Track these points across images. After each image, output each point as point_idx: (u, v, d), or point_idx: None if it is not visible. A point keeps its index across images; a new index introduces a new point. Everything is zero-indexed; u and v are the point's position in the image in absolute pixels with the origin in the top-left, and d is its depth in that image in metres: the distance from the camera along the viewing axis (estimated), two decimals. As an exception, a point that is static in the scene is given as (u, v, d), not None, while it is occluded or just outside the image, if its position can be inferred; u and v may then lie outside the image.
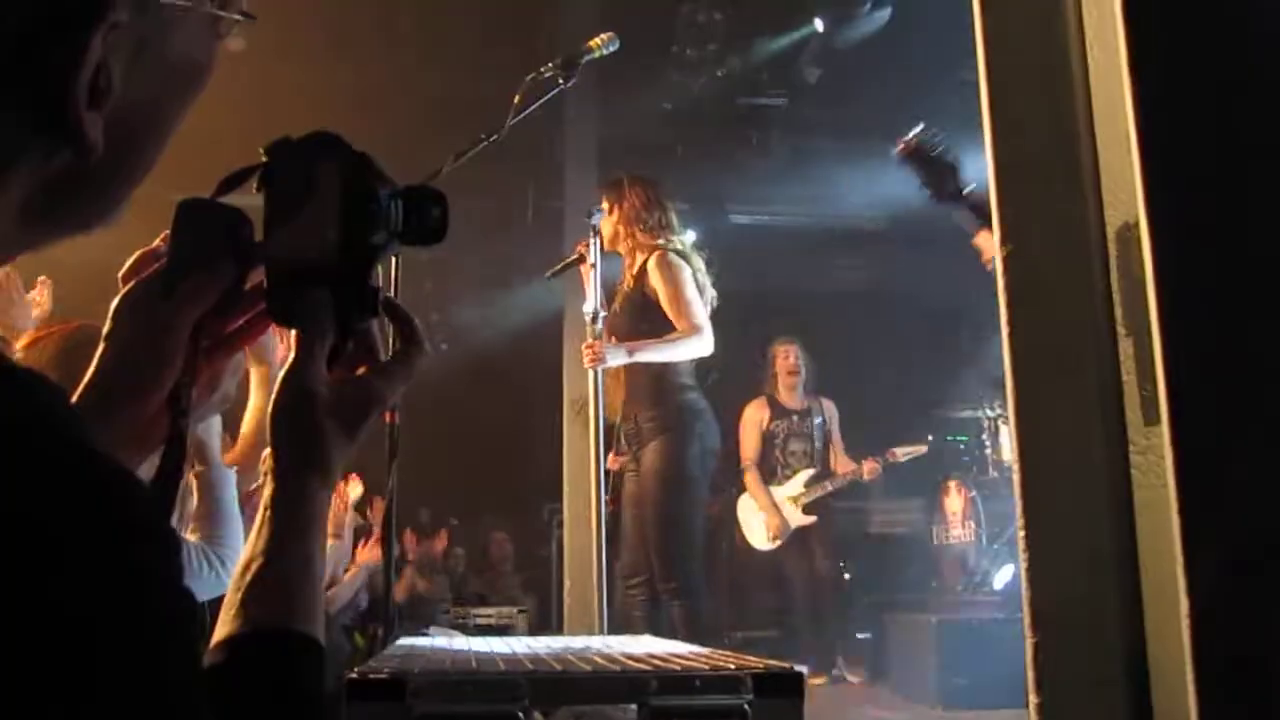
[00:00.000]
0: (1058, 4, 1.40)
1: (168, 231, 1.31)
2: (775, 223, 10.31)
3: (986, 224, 4.00)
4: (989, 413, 7.02)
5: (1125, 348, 1.30)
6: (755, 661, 1.44)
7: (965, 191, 2.79)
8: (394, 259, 2.89)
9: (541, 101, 3.04)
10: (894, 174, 8.53)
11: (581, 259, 4.28)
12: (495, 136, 3.01)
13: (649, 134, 8.63)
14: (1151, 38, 1.20)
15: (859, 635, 7.71)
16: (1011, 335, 1.33)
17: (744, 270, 10.44)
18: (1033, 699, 1.28)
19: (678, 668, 1.36)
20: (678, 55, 7.18)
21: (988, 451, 7.11)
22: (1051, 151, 1.38)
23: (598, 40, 3.20)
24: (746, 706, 1.32)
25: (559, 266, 4.26)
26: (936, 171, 3.10)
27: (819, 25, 6.33)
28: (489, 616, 5.64)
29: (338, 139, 0.88)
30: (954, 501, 6.91)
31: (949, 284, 10.07)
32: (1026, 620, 1.29)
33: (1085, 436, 1.30)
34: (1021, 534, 1.30)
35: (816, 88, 8.58)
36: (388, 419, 2.74)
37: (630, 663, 1.42)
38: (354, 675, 1.29)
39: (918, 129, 3.15)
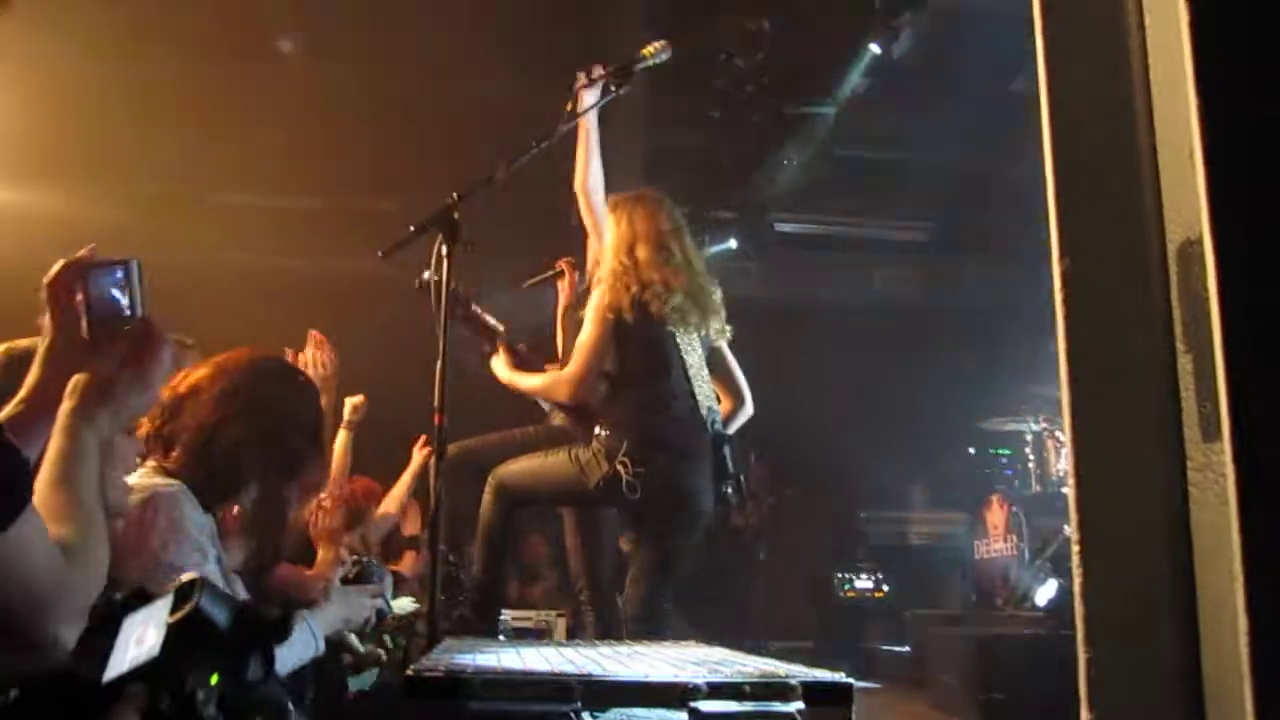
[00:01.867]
0: (1119, 14, 1.40)
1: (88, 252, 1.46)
2: (820, 231, 10.30)
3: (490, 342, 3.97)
4: (1034, 427, 6.96)
5: (1184, 364, 1.29)
6: (805, 670, 1.44)
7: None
8: (441, 259, 2.91)
9: (593, 108, 3.06)
10: (940, 184, 8.48)
11: (561, 274, 4.31)
12: (547, 143, 3.04)
13: (694, 141, 8.65)
14: (1217, 46, 1.20)
15: (898, 649, 7.68)
16: (1068, 350, 1.33)
17: (788, 279, 10.46)
18: (1084, 716, 1.27)
19: (728, 674, 1.36)
20: (725, 64, 7.19)
21: (1031, 465, 7.05)
22: (1111, 166, 1.37)
23: (651, 48, 3.22)
24: (797, 715, 1.32)
25: (536, 279, 4.25)
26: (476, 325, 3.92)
27: (875, 49, 6.29)
28: (526, 620, 5.65)
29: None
30: (996, 515, 6.86)
31: (995, 296, 10.03)
32: (1080, 635, 1.29)
33: (1142, 453, 1.29)
34: (1076, 549, 1.30)
35: (864, 98, 8.57)
36: (436, 421, 2.77)
37: (681, 668, 1.43)
38: (410, 673, 1.31)
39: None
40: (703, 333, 3.77)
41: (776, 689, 1.34)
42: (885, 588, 8.88)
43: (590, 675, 1.33)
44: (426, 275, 3.94)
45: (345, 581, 2.48)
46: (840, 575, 8.89)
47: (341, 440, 4.19)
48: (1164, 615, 1.25)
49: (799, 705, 1.33)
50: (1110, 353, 1.34)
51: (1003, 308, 9.67)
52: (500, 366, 3.98)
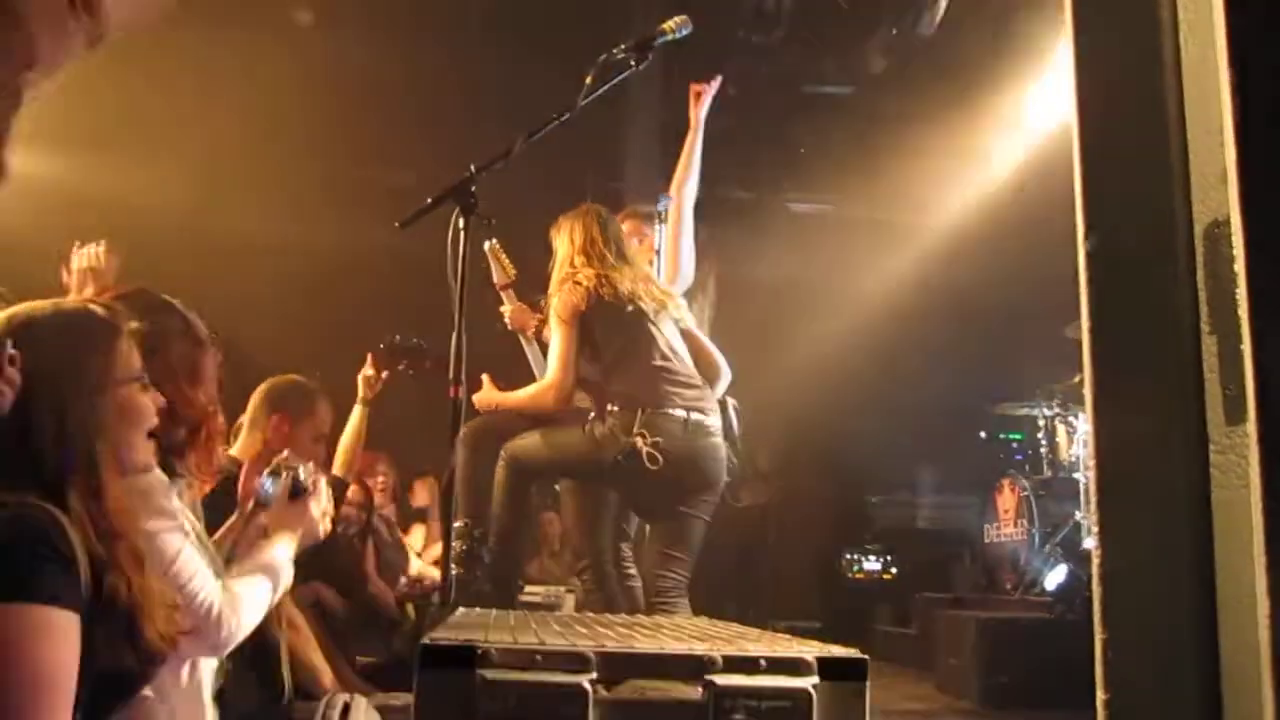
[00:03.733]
0: (1151, -4, 1.39)
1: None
2: (834, 213, 10.25)
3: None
4: (1046, 411, 6.94)
5: (1209, 346, 1.28)
6: (820, 646, 1.44)
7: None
8: (461, 238, 2.91)
9: (613, 83, 3.05)
10: (957, 168, 8.43)
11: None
12: (566, 117, 3.03)
13: (710, 119, 8.60)
14: (1251, 24, 1.18)
15: (904, 630, 7.70)
16: (1092, 330, 1.32)
17: (801, 260, 10.42)
18: (1100, 695, 1.27)
19: (743, 648, 1.36)
20: (744, 40, 7.15)
21: (1043, 450, 7.03)
22: (1140, 145, 1.36)
23: (671, 23, 3.21)
24: (811, 689, 1.32)
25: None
26: (415, 355, 4.23)
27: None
28: (535, 594, 5.67)
29: None
30: (1006, 499, 6.85)
31: (1009, 280, 9.99)
32: (1097, 617, 1.28)
33: (1164, 434, 1.29)
34: (1096, 530, 1.29)
35: (882, 78, 8.52)
36: (453, 393, 2.77)
37: (696, 642, 1.43)
38: (426, 642, 1.31)
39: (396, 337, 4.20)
40: (668, 314, 3.86)
41: (792, 664, 1.34)
42: (894, 570, 8.89)
43: (605, 647, 1.33)
44: (398, 338, 4.10)
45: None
46: (849, 556, 8.90)
47: (357, 415, 4.21)
48: (1183, 597, 1.25)
49: (814, 680, 1.33)
50: (1134, 333, 1.33)
51: (1019, 291, 9.64)
52: (482, 394, 4.01)
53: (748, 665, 1.33)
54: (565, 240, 3.87)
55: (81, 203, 6.62)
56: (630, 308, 3.72)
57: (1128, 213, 1.35)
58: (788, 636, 1.55)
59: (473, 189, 2.86)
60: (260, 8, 7.52)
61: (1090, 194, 1.36)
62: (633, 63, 3.06)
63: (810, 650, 1.38)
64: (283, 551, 2.21)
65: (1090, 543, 6.06)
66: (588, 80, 3.02)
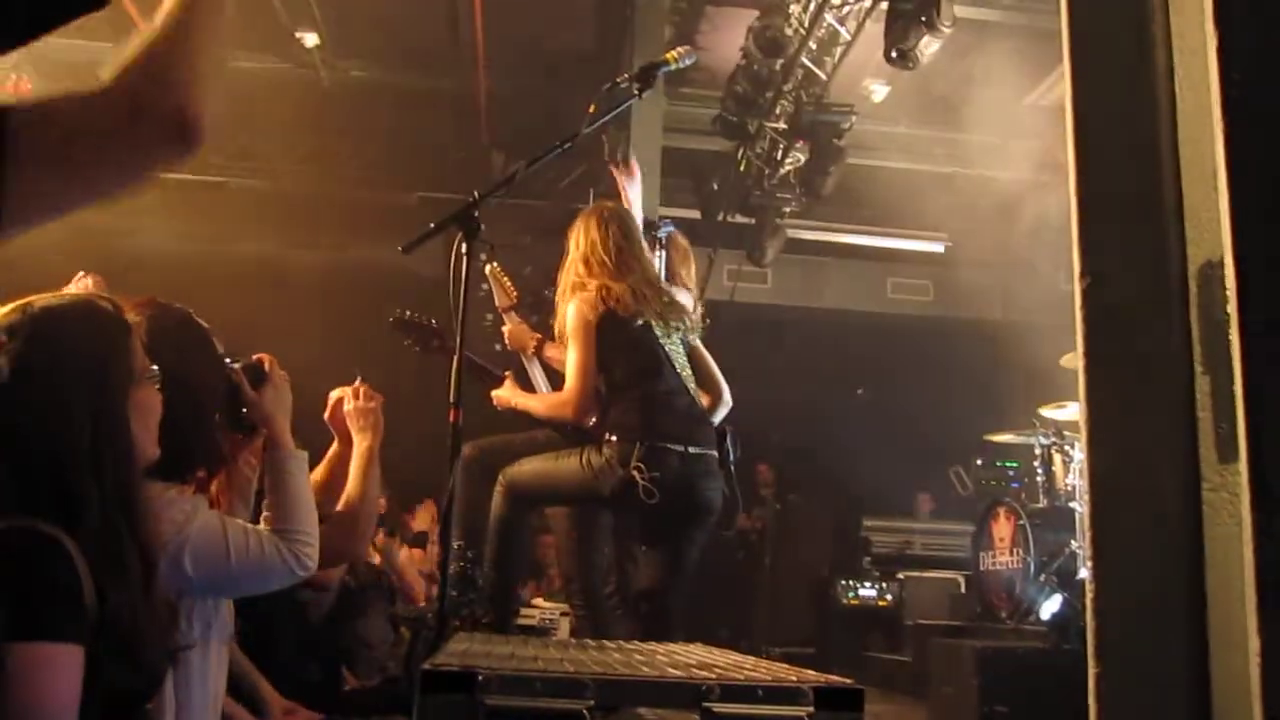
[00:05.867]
0: (1147, 36, 1.41)
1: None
2: (833, 239, 10.32)
3: (489, 382, 4.04)
4: (1042, 441, 6.95)
5: (1202, 385, 1.30)
6: (816, 676, 1.46)
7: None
8: (463, 261, 2.94)
9: (616, 112, 3.08)
10: (954, 197, 8.48)
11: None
12: (569, 144, 3.06)
13: (710, 143, 8.68)
14: (1245, 72, 1.21)
15: (898, 658, 7.69)
16: (1087, 367, 1.34)
17: (798, 286, 10.48)
18: (1094, 730, 1.29)
19: (740, 677, 1.38)
20: (745, 68, 7.20)
21: (1039, 479, 7.04)
22: (1135, 186, 1.39)
23: (674, 54, 3.24)
24: (807, 718, 1.34)
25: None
26: (424, 334, 4.14)
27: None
28: (530, 617, 5.67)
29: None
30: (1002, 528, 6.85)
31: (1005, 309, 10.03)
32: (1090, 650, 1.30)
33: (1157, 471, 1.31)
34: (1089, 564, 1.31)
35: (882, 106, 8.60)
36: (451, 418, 2.79)
37: (694, 670, 1.45)
38: (427, 667, 1.32)
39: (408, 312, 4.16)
40: (678, 331, 3.84)
41: (788, 693, 1.35)
42: (888, 597, 8.88)
43: (604, 673, 1.34)
44: (409, 314, 4.09)
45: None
46: (844, 582, 8.89)
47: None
48: (1175, 633, 1.26)
49: (809, 710, 1.34)
50: (1128, 371, 1.35)
51: (1014, 323, 9.69)
52: (503, 392, 4.04)
53: (745, 694, 1.34)
54: (573, 242, 3.84)
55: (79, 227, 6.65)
56: (639, 322, 3.70)
57: (1123, 253, 1.38)
58: (785, 666, 1.56)
59: (475, 214, 2.89)
60: (262, 31, 7.58)
61: (1086, 234, 1.39)
62: (636, 92, 3.09)
63: (807, 680, 1.39)
64: (280, 452, 2.31)
65: (1085, 572, 6.08)
66: (591, 109, 3.05)
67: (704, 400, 3.89)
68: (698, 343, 3.96)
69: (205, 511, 2.13)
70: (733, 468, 3.88)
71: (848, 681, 1.39)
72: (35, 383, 1.55)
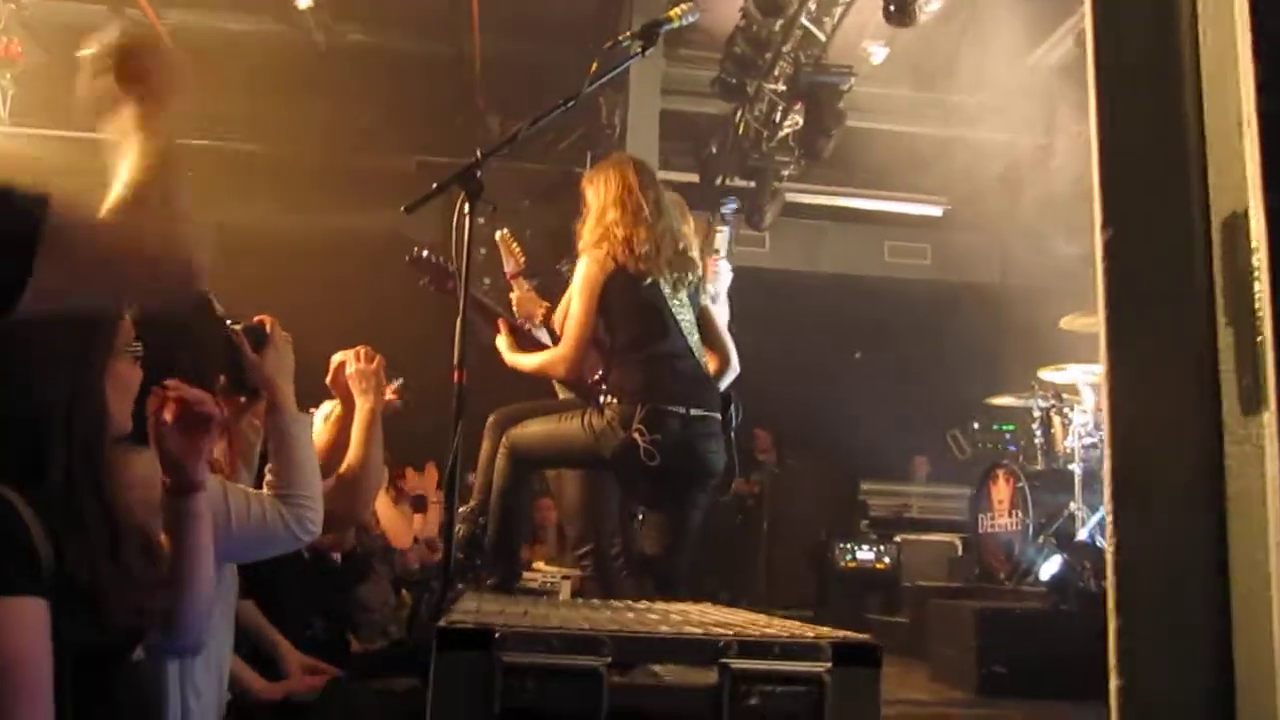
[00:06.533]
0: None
1: None
2: (831, 203, 10.26)
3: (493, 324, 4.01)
4: (1041, 404, 6.95)
5: (1225, 338, 1.29)
6: (833, 632, 1.45)
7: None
8: (463, 218, 2.90)
9: (618, 70, 3.05)
10: (953, 160, 8.42)
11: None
12: (572, 103, 3.02)
13: (711, 107, 8.61)
14: (1273, 16, 1.19)
15: (896, 619, 7.72)
16: (1108, 320, 1.32)
17: (798, 250, 10.44)
18: (1113, 681, 1.28)
19: (757, 633, 1.37)
20: (744, 29, 7.13)
21: (1038, 441, 7.05)
22: (1158, 136, 1.36)
23: (677, 10, 3.20)
24: (825, 674, 1.33)
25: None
26: (439, 273, 4.02)
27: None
28: (532, 580, 5.67)
29: None
30: (1001, 490, 6.87)
31: (1003, 273, 10.01)
32: (1110, 603, 1.29)
33: (1180, 425, 1.29)
34: (1110, 518, 1.30)
35: (880, 68, 8.52)
36: (456, 379, 2.77)
37: (711, 627, 1.44)
38: (442, 624, 1.31)
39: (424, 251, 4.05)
40: (687, 289, 3.80)
41: (807, 649, 1.34)
42: (886, 559, 8.92)
43: (620, 630, 1.33)
44: (425, 252, 4.03)
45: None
46: (842, 545, 8.92)
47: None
48: (1197, 586, 1.26)
49: (828, 666, 1.34)
50: (1151, 324, 1.34)
51: (1012, 286, 9.67)
52: (503, 347, 4.03)
53: (762, 650, 1.34)
54: (598, 191, 3.77)
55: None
56: (647, 282, 3.65)
57: (1145, 204, 1.36)
58: (800, 623, 1.56)
59: (478, 174, 2.85)
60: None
61: (1108, 185, 1.37)
62: (638, 50, 3.05)
63: (825, 636, 1.38)
64: (283, 416, 2.28)
65: (1084, 534, 6.11)
66: (593, 67, 3.01)
67: (711, 364, 3.87)
68: (709, 304, 3.93)
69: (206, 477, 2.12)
70: (733, 434, 3.87)
71: (865, 638, 1.39)
72: (19, 349, 1.54)
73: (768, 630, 1.42)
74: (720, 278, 4.25)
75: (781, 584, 9.10)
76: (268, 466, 2.32)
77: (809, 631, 1.43)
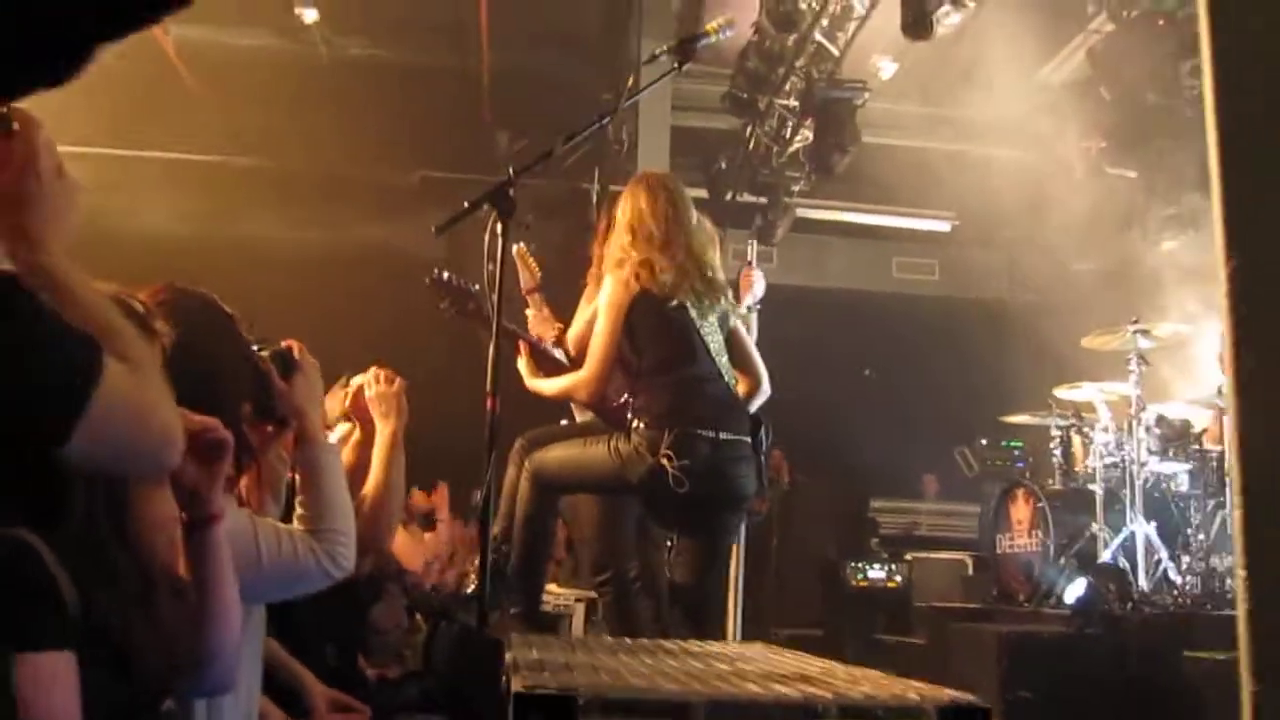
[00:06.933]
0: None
1: None
2: (839, 218, 10.20)
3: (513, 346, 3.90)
4: (1060, 422, 6.86)
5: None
6: (934, 690, 1.35)
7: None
8: (496, 237, 2.81)
9: (655, 84, 2.96)
10: (961, 175, 8.37)
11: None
12: (608, 120, 2.94)
13: (718, 120, 8.54)
14: None
15: (908, 640, 7.62)
16: (1236, 352, 1.23)
17: (804, 265, 10.36)
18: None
19: (858, 695, 1.27)
20: (757, 44, 7.06)
21: (1055, 460, 6.95)
22: (1284, 158, 1.27)
23: (714, 24, 3.12)
24: (932, 741, 1.23)
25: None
26: (460, 296, 3.89)
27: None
28: (545, 603, 5.57)
29: None
30: (1020, 510, 6.77)
31: (1012, 289, 9.94)
32: (1245, 668, 1.19)
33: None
34: (1241, 573, 1.20)
35: (890, 83, 8.46)
36: (489, 406, 2.67)
37: (804, 686, 1.34)
38: (520, 691, 1.21)
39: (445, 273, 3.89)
40: (716, 313, 3.72)
41: (911, 714, 1.24)
42: (898, 578, 8.81)
43: (713, 695, 1.23)
44: (446, 275, 3.94)
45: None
46: (853, 564, 8.82)
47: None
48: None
49: (934, 732, 1.24)
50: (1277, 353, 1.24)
51: (1021, 302, 9.61)
52: (523, 370, 3.97)
53: (863, 714, 1.24)
54: (623, 210, 3.69)
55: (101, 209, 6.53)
56: (674, 303, 3.57)
57: (1271, 227, 1.26)
58: (899, 680, 1.45)
59: (510, 192, 2.76)
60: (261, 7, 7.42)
61: (1230, 209, 1.28)
62: (675, 65, 2.96)
63: (929, 698, 1.28)
64: (313, 446, 2.19)
65: (1107, 555, 6.02)
66: (630, 82, 2.93)
67: (741, 386, 3.78)
68: (738, 325, 3.84)
69: (234, 511, 2.00)
70: (764, 457, 3.79)
71: (973, 700, 1.29)
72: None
73: (866, 690, 1.32)
74: (756, 286, 4.18)
75: (791, 603, 8.99)
76: (297, 499, 2.22)
77: (911, 692, 1.33)
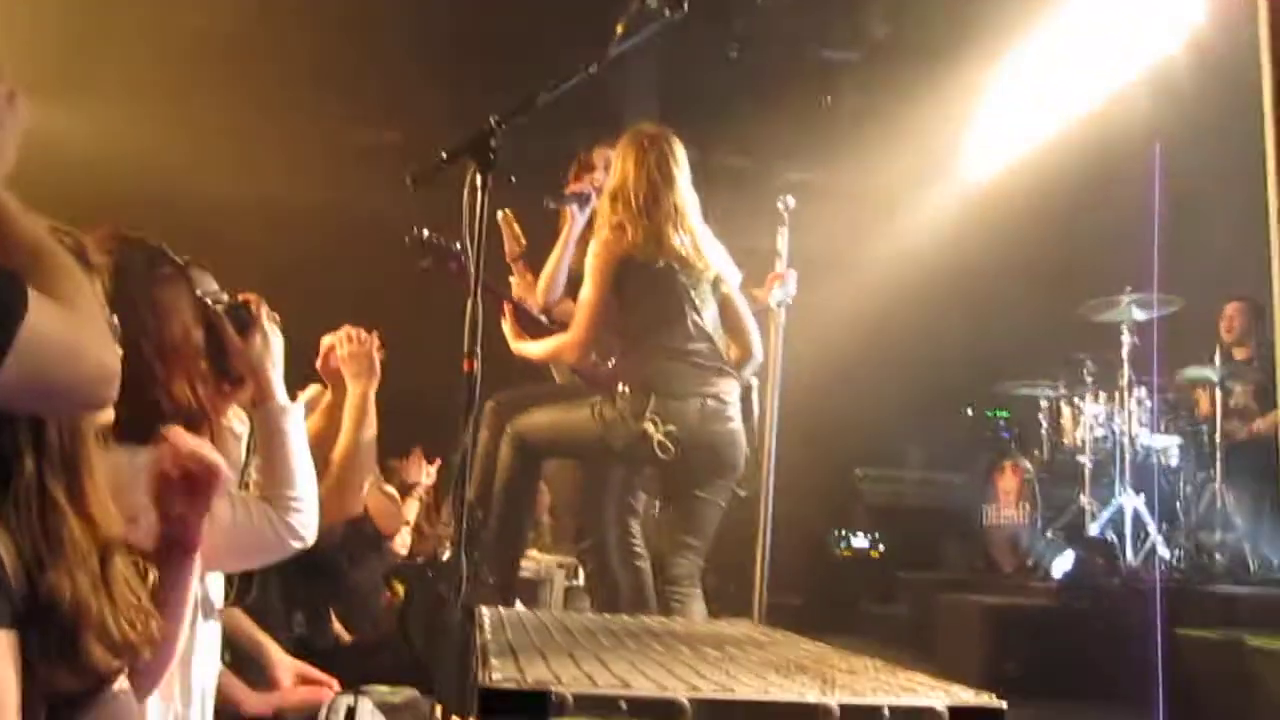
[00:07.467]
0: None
1: None
2: (826, 182, 10.05)
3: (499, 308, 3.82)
4: (1050, 392, 6.77)
5: None
6: (944, 686, 1.23)
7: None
8: (475, 190, 2.66)
9: (645, 34, 2.81)
10: (962, 137, 8.24)
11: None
12: (594, 68, 2.79)
13: (710, 80, 8.35)
14: None
15: (891, 609, 7.57)
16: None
17: (797, 232, 10.20)
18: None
19: (862, 694, 1.15)
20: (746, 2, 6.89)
21: (1043, 431, 6.87)
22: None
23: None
24: (944, 748, 1.12)
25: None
26: (441, 255, 3.72)
27: None
28: (525, 569, 5.47)
29: None
30: (1008, 481, 6.70)
31: (1002, 259, 9.83)
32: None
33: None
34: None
35: (886, 45, 8.28)
36: (466, 368, 2.54)
37: (804, 682, 1.22)
38: (486, 686, 1.09)
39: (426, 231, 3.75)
40: (707, 278, 3.63)
41: (920, 716, 1.13)
42: (881, 547, 8.76)
43: (701, 692, 1.11)
44: (427, 233, 3.80)
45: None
46: (836, 533, 8.75)
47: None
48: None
49: (945, 735, 1.12)
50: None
51: (1011, 272, 9.49)
52: (508, 333, 3.91)
53: (869, 717, 1.12)
54: (612, 171, 3.64)
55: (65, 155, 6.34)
56: (659, 264, 3.48)
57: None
58: (902, 671, 1.34)
59: (492, 144, 2.61)
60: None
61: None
62: (666, 12, 2.81)
63: (939, 696, 1.17)
64: (271, 406, 2.04)
65: (1095, 528, 5.95)
66: (618, 30, 2.78)
67: (733, 352, 3.68)
68: (731, 292, 3.72)
69: None
70: (754, 424, 3.71)
71: (987, 700, 1.17)
72: None
73: (871, 687, 1.20)
74: (788, 283, 4.07)
75: (774, 572, 8.91)
76: (254, 464, 2.09)
77: (918, 685, 1.22)
